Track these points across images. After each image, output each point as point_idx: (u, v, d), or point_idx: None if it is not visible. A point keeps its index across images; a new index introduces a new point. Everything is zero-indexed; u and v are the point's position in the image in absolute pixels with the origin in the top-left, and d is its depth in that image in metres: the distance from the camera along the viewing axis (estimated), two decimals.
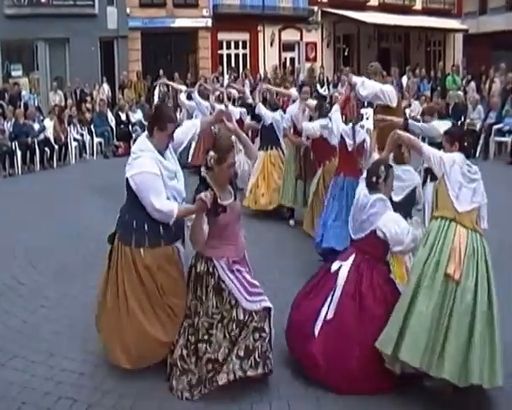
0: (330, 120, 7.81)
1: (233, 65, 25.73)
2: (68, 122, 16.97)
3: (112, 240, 5.04)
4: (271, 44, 26.59)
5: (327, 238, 7.34)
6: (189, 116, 14.04)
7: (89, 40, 21.70)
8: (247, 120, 11.18)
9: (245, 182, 10.60)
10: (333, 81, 22.51)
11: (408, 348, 4.50)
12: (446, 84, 21.07)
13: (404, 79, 21.73)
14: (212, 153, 4.70)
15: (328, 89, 21.34)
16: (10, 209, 11.01)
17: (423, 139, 7.30)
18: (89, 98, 19.75)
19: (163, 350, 4.96)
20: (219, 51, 25.80)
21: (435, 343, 4.47)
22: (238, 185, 5.19)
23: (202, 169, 4.85)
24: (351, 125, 7.32)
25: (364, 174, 5.32)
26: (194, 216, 4.67)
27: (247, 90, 14.25)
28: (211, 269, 4.84)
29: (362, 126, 7.22)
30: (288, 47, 27.43)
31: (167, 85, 17.91)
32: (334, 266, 5.19)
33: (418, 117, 9.15)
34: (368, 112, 7.41)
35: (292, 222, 9.83)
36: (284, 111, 10.35)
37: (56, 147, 15.89)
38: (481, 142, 15.98)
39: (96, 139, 17.61)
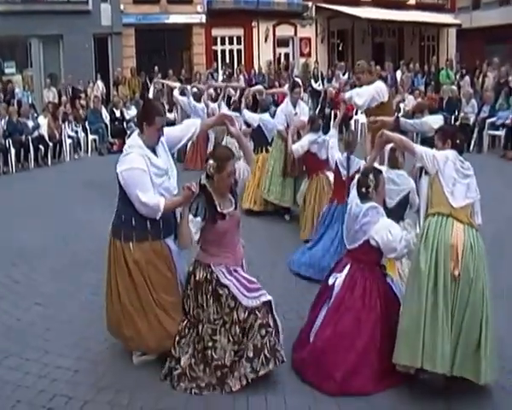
0: (324, 140, 8.01)
1: (227, 61, 25.70)
2: (63, 119, 16.92)
3: None
4: (266, 40, 26.54)
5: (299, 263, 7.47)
6: (185, 114, 14.04)
7: (83, 37, 21.62)
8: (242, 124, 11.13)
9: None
10: (327, 76, 22.49)
11: (428, 355, 4.54)
12: (440, 78, 21.10)
13: (398, 74, 21.74)
14: (211, 161, 4.72)
15: (323, 84, 21.35)
16: (4, 207, 10.99)
17: (416, 135, 7.32)
18: (83, 95, 19.70)
19: (151, 346, 5.01)
20: (213, 47, 25.74)
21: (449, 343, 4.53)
22: (238, 193, 5.22)
23: (202, 177, 4.87)
24: (345, 154, 7.34)
25: (355, 182, 5.31)
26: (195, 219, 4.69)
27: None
28: (209, 276, 4.86)
29: (356, 121, 7.31)
30: (282, 42, 27.38)
31: (162, 83, 17.92)
32: (331, 280, 5.22)
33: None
34: (359, 118, 7.53)
35: (287, 217, 9.84)
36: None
37: (51, 144, 15.83)
38: (475, 135, 16.03)
39: (91, 136, 17.56)
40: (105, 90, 21.06)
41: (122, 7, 22.84)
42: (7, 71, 21.25)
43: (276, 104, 10.64)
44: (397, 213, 6.00)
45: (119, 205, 5.00)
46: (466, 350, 4.54)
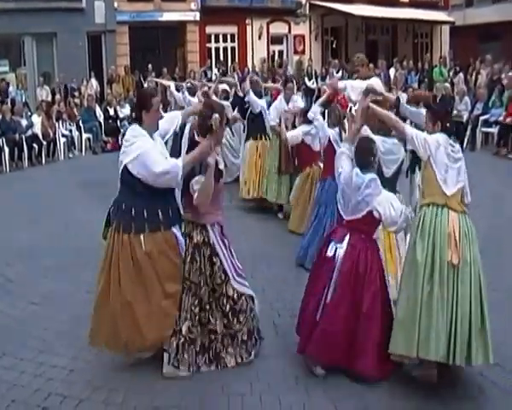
0: (315, 126, 7.95)
1: (221, 58, 25.68)
2: (56, 118, 16.89)
3: (106, 236, 5.06)
4: (259, 37, 26.55)
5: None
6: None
7: (76, 35, 21.57)
8: (234, 112, 11.10)
9: (232, 175, 10.73)
10: (321, 74, 22.51)
11: (423, 343, 4.59)
12: (433, 75, 21.15)
13: (392, 71, 21.77)
14: (216, 115, 4.78)
15: (317, 82, 21.30)
16: None
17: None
18: (77, 93, 19.68)
19: (150, 337, 4.98)
20: (207, 45, 25.71)
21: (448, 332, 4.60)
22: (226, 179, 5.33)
23: (197, 138, 4.92)
24: (337, 129, 7.35)
25: (347, 153, 5.26)
26: (202, 179, 4.73)
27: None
28: (206, 239, 4.97)
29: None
30: (276, 40, 27.38)
31: (155, 82, 17.91)
32: (330, 251, 5.09)
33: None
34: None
35: (280, 215, 9.87)
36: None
37: (45, 143, 15.84)
38: (468, 133, 16.10)
39: (85, 135, 17.55)
40: (99, 89, 21.02)
41: (116, 4, 22.80)
42: (0, 69, 21.14)
43: (269, 104, 10.57)
44: (392, 182, 5.95)
45: (123, 199, 4.93)
46: (472, 333, 4.60)
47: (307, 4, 27.08)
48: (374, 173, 5.04)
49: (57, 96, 18.70)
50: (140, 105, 4.94)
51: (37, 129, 15.78)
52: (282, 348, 5.41)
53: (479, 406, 4.58)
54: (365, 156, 5.09)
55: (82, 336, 5.64)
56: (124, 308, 4.85)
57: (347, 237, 5.05)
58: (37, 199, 11.53)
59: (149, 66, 21.27)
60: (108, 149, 17.22)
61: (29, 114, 16.59)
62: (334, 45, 29.27)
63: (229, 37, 26.36)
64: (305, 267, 7.22)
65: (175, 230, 4.98)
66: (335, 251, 5.06)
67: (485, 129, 16.13)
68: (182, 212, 5.01)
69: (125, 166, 4.77)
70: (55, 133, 16.30)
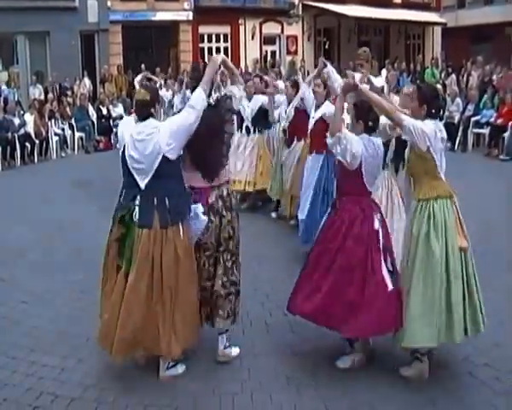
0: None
1: None
2: (49, 117, 16.85)
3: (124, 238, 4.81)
4: (252, 38, 26.60)
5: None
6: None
7: (69, 34, 21.58)
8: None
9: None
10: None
11: (443, 333, 4.73)
12: (425, 77, 21.22)
13: (384, 73, 21.81)
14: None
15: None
16: None
17: None
18: (69, 92, 19.65)
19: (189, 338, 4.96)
20: (200, 45, 25.76)
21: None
22: None
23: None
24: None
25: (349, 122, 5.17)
26: None
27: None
28: (219, 195, 5.03)
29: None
30: (268, 40, 27.45)
31: (148, 79, 17.87)
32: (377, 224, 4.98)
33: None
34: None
35: (274, 215, 9.84)
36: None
37: (37, 142, 15.81)
38: (460, 134, 16.17)
39: (77, 134, 17.53)
40: (92, 88, 21.00)
41: (109, 4, 22.84)
42: None
43: None
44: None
45: (159, 192, 4.68)
46: (473, 310, 4.80)
47: (300, 5, 27.16)
48: None
49: (50, 95, 18.67)
50: (155, 100, 4.81)
51: (30, 128, 15.74)
52: (274, 347, 5.43)
53: (468, 406, 4.59)
54: (371, 120, 4.99)
55: (72, 335, 5.67)
56: (165, 310, 4.73)
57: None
58: (29, 198, 11.51)
59: (142, 65, 21.22)
60: (101, 149, 17.27)
61: (21, 112, 16.53)
62: (326, 46, 29.35)
63: (222, 37, 26.41)
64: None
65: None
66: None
67: (476, 130, 16.23)
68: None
69: (164, 156, 4.59)
70: (47, 132, 16.29)
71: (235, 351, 5.27)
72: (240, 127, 10.07)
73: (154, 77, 16.13)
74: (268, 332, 5.77)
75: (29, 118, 15.99)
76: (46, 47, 22.10)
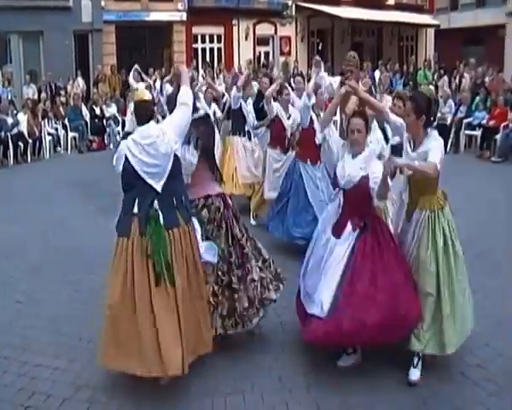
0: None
1: (208, 59, 25.69)
2: (42, 116, 16.84)
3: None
4: (246, 38, 26.61)
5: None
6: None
7: (63, 33, 21.53)
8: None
9: None
10: (307, 75, 22.56)
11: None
12: (418, 78, 21.28)
13: (377, 74, 21.87)
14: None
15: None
16: None
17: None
18: (63, 92, 19.62)
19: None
20: (194, 45, 25.76)
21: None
22: None
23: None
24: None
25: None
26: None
27: (221, 88, 14.36)
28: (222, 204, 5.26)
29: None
30: (262, 41, 27.46)
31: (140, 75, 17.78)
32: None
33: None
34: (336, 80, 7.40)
35: (253, 222, 9.50)
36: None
37: (30, 141, 15.79)
38: (452, 136, 16.24)
39: (71, 134, 17.50)
40: (85, 88, 20.96)
41: (103, 4, 22.78)
42: None
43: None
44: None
45: (176, 191, 4.72)
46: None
47: (293, 6, 27.19)
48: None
49: (43, 95, 18.62)
50: (153, 98, 5.00)
51: (23, 127, 15.72)
52: (266, 348, 5.45)
53: (459, 407, 4.62)
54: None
55: (65, 335, 5.67)
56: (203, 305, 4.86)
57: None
58: (22, 197, 11.50)
59: (136, 66, 21.18)
60: (94, 148, 17.26)
61: (15, 112, 16.50)
62: (320, 47, 29.38)
63: (215, 37, 26.41)
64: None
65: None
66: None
67: (468, 132, 16.32)
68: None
69: (174, 156, 4.66)
70: (40, 132, 16.27)
71: None
72: (242, 132, 10.12)
73: (145, 77, 16.12)
74: (260, 333, 5.78)
75: (22, 117, 15.96)
76: (40, 46, 22.04)
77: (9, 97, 18.62)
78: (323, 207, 7.20)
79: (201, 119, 5.18)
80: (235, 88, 9.96)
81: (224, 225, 5.23)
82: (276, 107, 8.87)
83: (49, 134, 16.73)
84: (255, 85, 12.08)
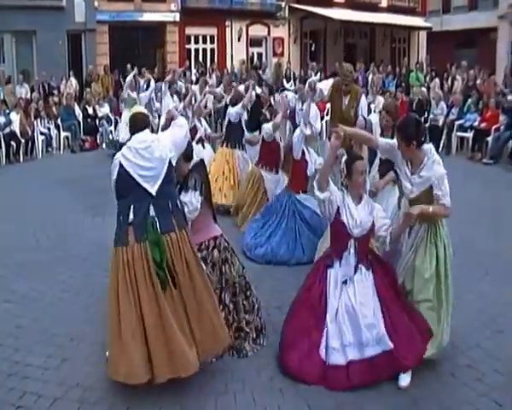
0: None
1: (201, 59, 25.69)
2: (35, 116, 16.76)
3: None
4: (239, 39, 26.62)
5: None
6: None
7: (56, 33, 21.48)
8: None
9: None
10: (299, 76, 22.62)
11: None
12: (410, 80, 21.33)
13: (370, 75, 21.95)
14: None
15: (295, 84, 21.42)
16: None
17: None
18: (56, 92, 19.57)
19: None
20: (187, 46, 25.75)
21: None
22: None
23: None
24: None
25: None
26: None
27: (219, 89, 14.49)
28: (222, 246, 5.41)
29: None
30: (255, 42, 27.49)
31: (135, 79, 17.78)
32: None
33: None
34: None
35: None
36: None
37: (23, 141, 15.72)
38: (444, 137, 16.29)
39: (63, 133, 17.43)
40: (78, 88, 20.91)
41: (96, 4, 22.76)
42: None
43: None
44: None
45: (171, 196, 4.75)
46: None
47: (287, 7, 27.22)
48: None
49: (35, 94, 18.54)
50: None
51: (16, 127, 15.64)
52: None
53: (449, 407, 4.64)
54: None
55: (56, 335, 5.66)
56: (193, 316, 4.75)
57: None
58: (13, 197, 11.45)
59: (128, 66, 21.18)
60: (87, 148, 17.21)
61: (7, 111, 16.44)
62: (312, 48, 29.45)
63: (208, 38, 26.42)
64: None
65: None
66: None
67: (460, 134, 16.34)
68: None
69: (169, 162, 4.69)
70: (33, 131, 16.20)
71: None
72: (240, 145, 10.34)
73: (138, 78, 16.20)
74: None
75: (15, 117, 15.89)
76: (33, 46, 21.99)
77: (2, 97, 18.57)
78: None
79: (201, 164, 5.30)
80: (240, 106, 10.32)
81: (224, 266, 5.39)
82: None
83: (41, 134, 16.65)
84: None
